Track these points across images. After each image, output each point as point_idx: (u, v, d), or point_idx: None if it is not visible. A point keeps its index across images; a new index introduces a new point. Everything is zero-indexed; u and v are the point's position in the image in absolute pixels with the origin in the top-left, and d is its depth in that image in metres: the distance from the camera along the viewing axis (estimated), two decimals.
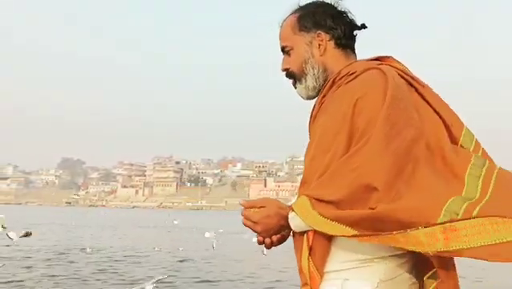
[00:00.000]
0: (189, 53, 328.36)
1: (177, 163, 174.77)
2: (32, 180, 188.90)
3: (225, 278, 15.98)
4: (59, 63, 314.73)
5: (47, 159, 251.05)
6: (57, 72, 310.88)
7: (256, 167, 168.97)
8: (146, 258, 24.52)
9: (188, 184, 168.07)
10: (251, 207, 1.27)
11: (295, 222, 1.21)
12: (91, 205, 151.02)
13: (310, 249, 1.19)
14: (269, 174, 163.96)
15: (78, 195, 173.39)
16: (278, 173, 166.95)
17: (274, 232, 1.26)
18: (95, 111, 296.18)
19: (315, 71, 1.38)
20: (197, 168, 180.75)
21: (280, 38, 1.44)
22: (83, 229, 44.24)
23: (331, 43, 1.37)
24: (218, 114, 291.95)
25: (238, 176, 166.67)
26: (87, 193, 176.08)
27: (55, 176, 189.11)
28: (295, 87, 1.43)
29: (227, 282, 15.04)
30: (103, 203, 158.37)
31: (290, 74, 1.43)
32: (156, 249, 28.20)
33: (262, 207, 1.25)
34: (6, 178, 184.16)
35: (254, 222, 1.25)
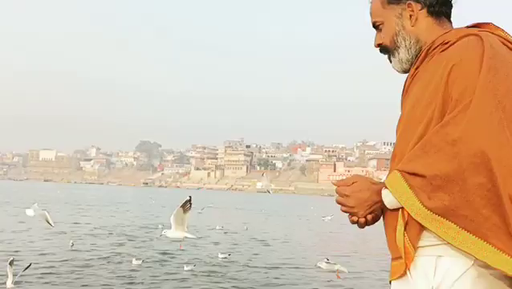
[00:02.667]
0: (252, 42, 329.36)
1: (248, 147, 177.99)
2: (113, 161, 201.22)
3: (290, 264, 16.85)
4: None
5: (127, 142, 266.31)
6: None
7: (325, 151, 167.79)
8: (213, 236, 26.01)
9: (258, 167, 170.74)
10: (343, 185, 1.26)
11: (389, 199, 1.19)
12: (166, 186, 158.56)
13: (406, 224, 1.16)
14: (338, 159, 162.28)
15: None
16: (348, 158, 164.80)
17: (368, 207, 1.25)
18: (171, 99, 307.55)
19: (407, 42, 1.35)
20: (266, 152, 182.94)
21: (370, 15, 1.43)
22: (160, 208, 47.13)
23: (423, 12, 1.33)
24: (287, 99, 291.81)
25: (307, 160, 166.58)
26: (162, 174, 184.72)
27: (134, 158, 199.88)
28: (390, 62, 1.42)
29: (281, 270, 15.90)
30: (178, 184, 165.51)
31: (383, 48, 1.42)
32: (218, 227, 29.68)
33: (353, 183, 1.25)
34: (90, 159, 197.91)
35: (347, 196, 1.24)
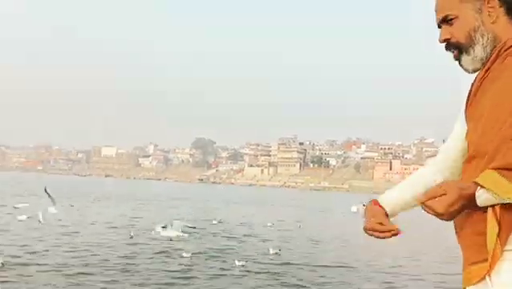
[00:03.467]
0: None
1: (301, 144, 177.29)
2: (170, 158, 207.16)
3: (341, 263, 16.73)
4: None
5: (183, 139, 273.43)
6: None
7: (381, 149, 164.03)
8: (265, 233, 26.24)
9: (311, 164, 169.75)
10: (431, 198, 1.19)
11: (482, 198, 1.14)
12: (220, 182, 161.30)
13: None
14: (395, 156, 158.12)
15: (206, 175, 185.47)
16: (405, 156, 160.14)
17: (457, 214, 1.20)
18: (225, 96, 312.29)
19: (485, 39, 1.29)
20: (320, 150, 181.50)
21: (439, 8, 1.36)
22: (215, 204, 48.10)
23: (502, 10, 1.29)
24: (342, 96, 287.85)
25: (362, 158, 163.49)
26: (217, 171, 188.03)
27: (189, 154, 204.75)
28: (459, 59, 1.35)
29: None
30: (232, 181, 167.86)
31: (453, 44, 1.35)
32: (269, 224, 29.85)
33: (442, 195, 1.17)
34: (148, 156, 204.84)
35: (440, 214, 1.17)
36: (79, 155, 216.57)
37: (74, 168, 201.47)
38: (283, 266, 16.60)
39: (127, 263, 16.01)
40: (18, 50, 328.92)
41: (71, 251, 17.61)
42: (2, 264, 13.43)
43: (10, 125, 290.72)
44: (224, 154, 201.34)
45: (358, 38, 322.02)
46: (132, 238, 21.77)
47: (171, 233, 22.19)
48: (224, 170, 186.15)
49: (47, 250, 17.53)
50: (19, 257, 15.97)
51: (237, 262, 16.87)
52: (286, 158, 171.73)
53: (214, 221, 27.15)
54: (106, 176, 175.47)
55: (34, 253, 17.02)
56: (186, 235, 21.95)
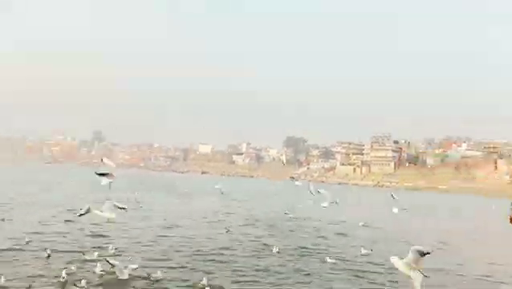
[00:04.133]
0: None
1: (396, 142, 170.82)
2: (262, 156, 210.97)
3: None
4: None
5: (274, 137, 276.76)
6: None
7: (484, 147, 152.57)
8: (357, 232, 26.11)
9: (407, 163, 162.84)
10: None
11: None
12: (310, 180, 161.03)
13: None
14: (500, 156, 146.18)
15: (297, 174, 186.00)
16: None
17: None
18: (314, 94, 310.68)
19: None
20: (416, 148, 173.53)
21: None
22: (306, 201, 48.43)
23: None
24: (441, 95, 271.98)
25: (463, 156, 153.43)
26: (308, 169, 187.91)
27: (281, 153, 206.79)
28: None
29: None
30: (323, 179, 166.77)
31: None
32: (361, 224, 29.49)
33: None
34: (241, 154, 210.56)
35: None
36: (177, 152, 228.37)
37: (172, 165, 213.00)
38: (375, 266, 16.65)
39: (223, 254, 17.15)
40: (128, 50, 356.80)
41: (175, 241, 19.21)
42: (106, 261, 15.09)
43: (118, 124, 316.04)
44: (315, 152, 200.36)
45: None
46: (228, 231, 23.06)
47: (262, 228, 23.08)
48: (315, 168, 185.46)
49: (154, 241, 19.28)
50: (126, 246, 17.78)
51: (328, 260, 17.27)
52: (380, 157, 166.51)
53: (290, 214, 27.58)
54: (202, 172, 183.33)
55: (138, 243, 18.83)
56: (276, 231, 22.74)
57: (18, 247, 15.75)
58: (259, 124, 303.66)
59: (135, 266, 13.34)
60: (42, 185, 48.82)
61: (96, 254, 14.80)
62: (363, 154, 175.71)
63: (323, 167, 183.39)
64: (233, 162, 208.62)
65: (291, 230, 25.20)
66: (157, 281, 12.72)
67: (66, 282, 11.79)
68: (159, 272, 13.01)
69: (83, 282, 11.52)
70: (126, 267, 12.89)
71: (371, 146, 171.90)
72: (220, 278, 13.30)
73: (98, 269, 12.82)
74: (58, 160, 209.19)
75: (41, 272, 12.81)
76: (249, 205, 41.49)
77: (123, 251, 16.18)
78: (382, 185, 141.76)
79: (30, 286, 11.04)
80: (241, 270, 14.62)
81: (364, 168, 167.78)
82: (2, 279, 11.20)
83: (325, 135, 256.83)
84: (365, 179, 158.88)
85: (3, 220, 21.37)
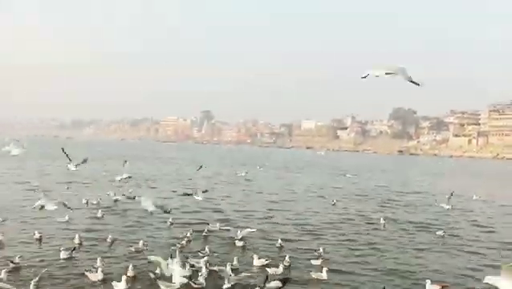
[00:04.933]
0: None
1: None
2: (367, 129, 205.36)
3: None
4: None
5: (380, 109, 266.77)
6: None
7: None
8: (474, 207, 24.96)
9: None
10: None
11: None
12: (417, 154, 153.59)
13: None
14: None
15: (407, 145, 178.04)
16: None
17: None
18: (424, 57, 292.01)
19: None
20: None
21: None
22: (417, 176, 46.86)
23: None
24: None
25: None
26: (418, 142, 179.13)
27: (388, 125, 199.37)
28: None
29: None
30: (435, 152, 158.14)
31: None
32: (475, 197, 27.94)
33: None
34: (345, 128, 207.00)
35: None
36: (282, 128, 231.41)
37: (277, 141, 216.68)
38: (490, 243, 16.04)
39: (332, 228, 17.73)
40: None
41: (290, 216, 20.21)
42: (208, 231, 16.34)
43: (226, 103, 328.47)
44: (425, 124, 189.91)
45: None
46: (334, 204, 23.58)
47: (372, 203, 23.15)
48: (426, 141, 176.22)
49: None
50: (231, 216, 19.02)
51: (437, 232, 17.04)
52: (499, 126, 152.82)
53: (416, 193, 26.94)
54: (307, 148, 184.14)
55: (250, 216, 20.07)
56: (383, 207, 22.67)
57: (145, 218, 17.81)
58: (365, 96, 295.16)
59: (252, 230, 14.81)
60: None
61: (218, 224, 16.34)
62: (479, 124, 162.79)
63: (434, 139, 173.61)
64: (338, 137, 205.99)
65: (399, 204, 24.91)
66: (279, 248, 13.87)
67: (183, 247, 13.45)
68: (280, 240, 14.23)
69: (207, 248, 12.95)
70: (241, 230, 14.57)
71: (489, 115, 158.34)
72: (331, 252, 13.82)
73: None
74: (171, 139, 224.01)
75: (166, 238, 14.77)
76: (355, 179, 41.34)
77: (236, 224, 17.50)
78: (502, 158, 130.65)
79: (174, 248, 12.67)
80: (350, 244, 15.07)
81: (481, 140, 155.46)
82: (141, 243, 13.07)
83: (436, 105, 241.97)
84: (482, 151, 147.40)
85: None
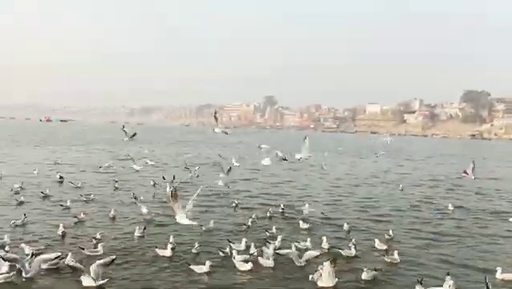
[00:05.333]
0: None
1: None
2: (436, 113, 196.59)
3: None
4: None
5: (450, 92, 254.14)
6: None
7: None
8: None
9: None
10: None
11: None
12: (489, 139, 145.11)
13: None
14: None
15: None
16: None
17: None
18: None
19: None
20: None
21: None
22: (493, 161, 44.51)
23: None
24: None
25: None
26: (492, 125, 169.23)
27: (458, 108, 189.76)
28: None
29: None
30: (511, 136, 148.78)
31: None
32: None
33: None
34: (413, 112, 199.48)
35: None
36: (346, 113, 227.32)
37: (341, 126, 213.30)
38: None
39: (398, 213, 17.41)
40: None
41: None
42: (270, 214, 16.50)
43: (288, 89, 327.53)
44: (500, 107, 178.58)
45: None
46: (402, 190, 23.03)
47: (440, 189, 22.37)
48: (500, 124, 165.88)
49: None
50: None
51: (511, 220, 16.28)
52: None
53: (489, 179, 25.73)
54: (371, 132, 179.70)
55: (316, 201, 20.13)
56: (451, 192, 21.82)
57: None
58: (433, 79, 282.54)
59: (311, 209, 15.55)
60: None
61: (282, 205, 16.73)
62: None
63: (510, 123, 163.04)
64: (405, 121, 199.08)
65: (471, 191, 23.85)
66: (348, 232, 13.94)
67: (248, 227, 13.96)
68: (346, 224, 14.38)
69: (274, 227, 13.30)
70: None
71: None
72: (398, 238, 13.58)
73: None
74: (234, 125, 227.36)
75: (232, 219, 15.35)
76: (421, 164, 39.98)
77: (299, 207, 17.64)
78: None
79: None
80: (418, 231, 14.73)
81: None
82: (211, 223, 13.65)
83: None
84: None
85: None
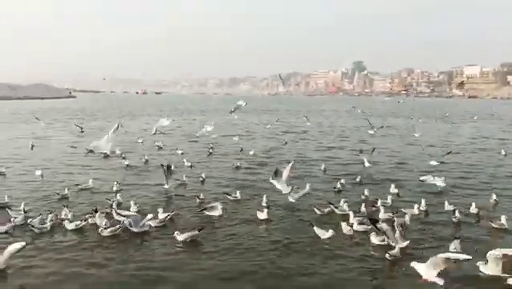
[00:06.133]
0: None
1: None
2: None
3: None
4: None
5: None
6: None
7: None
8: None
9: None
10: None
11: None
12: None
13: None
14: None
15: None
16: None
17: None
18: None
19: None
20: None
21: None
22: None
23: None
24: None
25: None
26: None
27: None
28: None
29: None
30: None
31: None
32: None
33: None
34: None
35: None
36: (441, 76, 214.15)
37: (436, 90, 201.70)
38: None
39: (501, 182, 16.38)
40: None
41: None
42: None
43: (378, 54, 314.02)
44: None
45: None
46: (506, 155, 21.58)
47: None
48: None
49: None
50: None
51: None
52: None
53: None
54: (469, 97, 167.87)
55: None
56: None
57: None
58: None
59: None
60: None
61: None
62: None
63: None
64: (508, 83, 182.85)
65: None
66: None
67: (339, 191, 13.83)
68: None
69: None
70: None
71: None
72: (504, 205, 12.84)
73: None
74: (321, 93, 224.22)
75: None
76: None
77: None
78: None
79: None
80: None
81: None
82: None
83: None
84: None
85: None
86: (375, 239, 9.41)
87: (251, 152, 21.72)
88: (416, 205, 11.72)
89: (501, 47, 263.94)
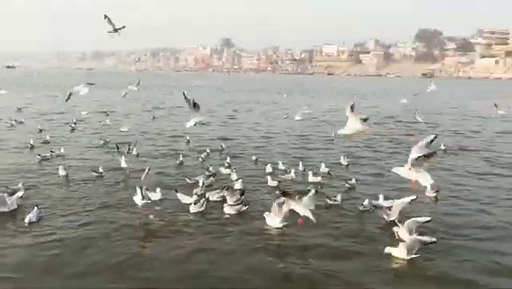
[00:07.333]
0: None
1: None
2: (391, 53, 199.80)
3: None
4: None
5: (405, 31, 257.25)
6: None
7: None
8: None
9: None
10: None
11: None
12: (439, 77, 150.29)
13: None
14: None
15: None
16: None
17: None
18: None
19: None
20: None
21: None
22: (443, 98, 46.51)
23: None
24: None
25: None
26: (443, 64, 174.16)
27: (412, 48, 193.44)
28: None
29: None
30: (459, 74, 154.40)
31: None
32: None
33: None
34: (368, 52, 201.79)
35: None
36: (303, 54, 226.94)
37: (299, 68, 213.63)
38: None
39: None
40: None
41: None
42: None
43: (244, 33, 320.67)
44: (451, 45, 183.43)
45: None
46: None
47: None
48: (450, 63, 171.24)
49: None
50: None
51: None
52: None
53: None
54: (328, 74, 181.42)
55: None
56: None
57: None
58: (387, 14, 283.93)
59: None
60: None
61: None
62: (507, 43, 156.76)
63: (459, 62, 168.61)
64: (360, 61, 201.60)
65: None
66: None
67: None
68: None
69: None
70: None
71: None
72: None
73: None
74: (191, 68, 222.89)
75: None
76: (371, 102, 41.35)
77: None
78: None
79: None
80: None
81: (509, 60, 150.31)
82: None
83: (463, 25, 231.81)
84: (509, 72, 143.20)
85: None
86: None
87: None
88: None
89: (354, 28, 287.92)
